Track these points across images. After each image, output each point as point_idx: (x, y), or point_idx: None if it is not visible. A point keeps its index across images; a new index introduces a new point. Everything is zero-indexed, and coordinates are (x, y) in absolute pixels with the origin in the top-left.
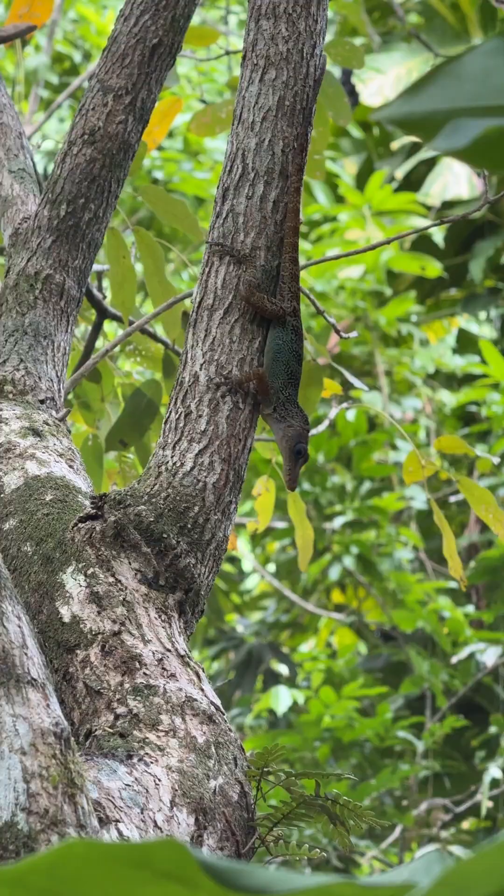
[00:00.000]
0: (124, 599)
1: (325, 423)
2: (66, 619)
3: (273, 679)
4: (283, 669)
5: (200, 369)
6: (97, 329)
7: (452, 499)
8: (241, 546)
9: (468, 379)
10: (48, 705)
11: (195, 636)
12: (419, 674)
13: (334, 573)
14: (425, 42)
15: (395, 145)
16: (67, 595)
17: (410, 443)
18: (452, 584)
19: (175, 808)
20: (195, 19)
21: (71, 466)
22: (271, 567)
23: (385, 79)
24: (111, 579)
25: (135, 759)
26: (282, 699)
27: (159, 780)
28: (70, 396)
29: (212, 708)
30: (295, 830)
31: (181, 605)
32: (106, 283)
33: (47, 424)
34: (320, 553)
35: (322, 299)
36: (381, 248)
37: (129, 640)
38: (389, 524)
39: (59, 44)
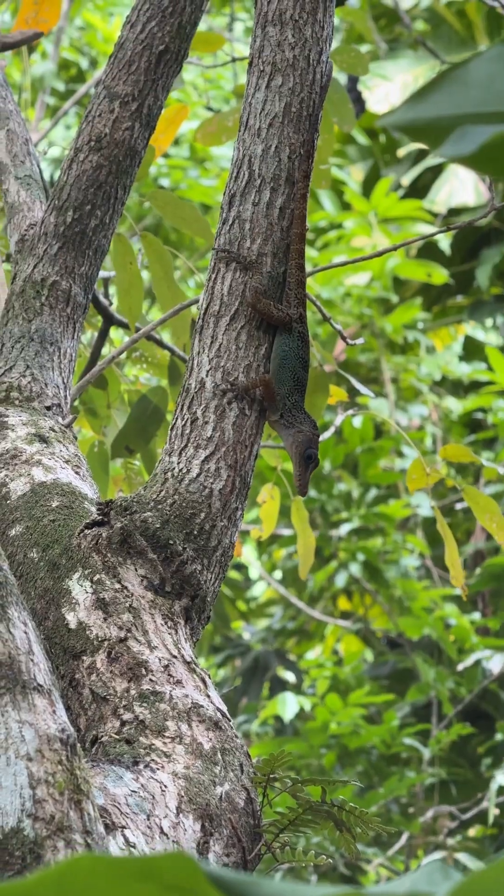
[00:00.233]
0: (130, 606)
1: (332, 429)
2: (73, 626)
3: (279, 686)
4: (289, 676)
5: (207, 376)
6: (103, 336)
7: (458, 506)
8: (248, 553)
9: (474, 386)
10: (54, 711)
11: (201, 643)
12: (425, 681)
13: (340, 580)
14: (431, 49)
15: (401, 152)
16: (74, 601)
17: (416, 450)
18: (459, 592)
19: (181, 815)
20: (201, 26)
21: (77, 473)
22: (277, 574)
23: (391, 86)
24: (117, 585)
25: (141, 766)
26: (288, 706)
27: (165, 786)
28: (76, 403)
29: (218, 714)
30: (301, 837)
31: (187, 612)
32: (112, 289)
33: (53, 431)
34: (326, 560)
35: (328, 306)
36: (387, 256)
37: (136, 646)
38: (396, 531)
39: (65, 51)
